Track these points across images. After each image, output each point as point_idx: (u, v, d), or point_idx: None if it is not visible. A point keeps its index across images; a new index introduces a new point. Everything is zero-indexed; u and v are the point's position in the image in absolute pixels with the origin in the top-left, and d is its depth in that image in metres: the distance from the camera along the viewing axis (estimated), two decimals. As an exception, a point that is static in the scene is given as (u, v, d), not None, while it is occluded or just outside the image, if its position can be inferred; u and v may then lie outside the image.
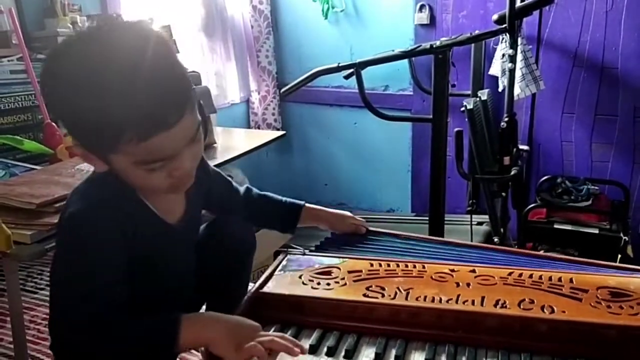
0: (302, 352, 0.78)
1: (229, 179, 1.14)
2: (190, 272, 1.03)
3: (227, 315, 0.82)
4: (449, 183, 2.13)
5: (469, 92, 2.38)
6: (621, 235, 2.06)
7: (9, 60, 1.83)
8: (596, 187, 2.24)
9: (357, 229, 1.17)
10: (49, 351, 1.53)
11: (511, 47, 1.97)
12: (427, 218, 1.99)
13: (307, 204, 1.16)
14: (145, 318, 0.80)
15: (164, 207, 0.91)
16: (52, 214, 1.15)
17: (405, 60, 2.48)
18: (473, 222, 2.15)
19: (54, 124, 1.76)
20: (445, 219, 2.00)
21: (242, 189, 1.15)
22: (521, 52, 2.08)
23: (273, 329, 0.86)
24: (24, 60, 1.76)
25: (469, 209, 2.19)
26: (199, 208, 1.04)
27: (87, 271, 0.80)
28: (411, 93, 2.71)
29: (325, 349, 0.82)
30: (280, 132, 2.61)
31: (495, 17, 2.09)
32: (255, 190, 1.16)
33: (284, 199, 1.17)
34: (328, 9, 2.79)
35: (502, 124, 2.02)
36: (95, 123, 0.73)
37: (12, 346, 1.37)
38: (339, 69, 2.02)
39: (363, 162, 2.98)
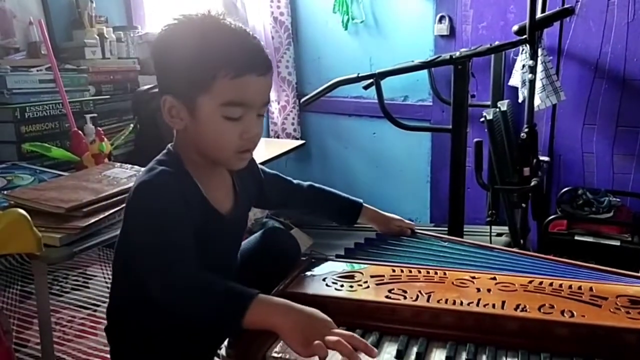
0: (372, 356, 0.76)
1: (289, 178, 1.25)
2: (232, 262, 1.09)
3: (300, 305, 0.81)
4: (469, 193, 2.13)
5: (489, 102, 2.38)
6: (643, 247, 2.03)
7: (37, 70, 1.89)
8: (618, 199, 2.22)
9: (402, 230, 1.27)
10: (75, 353, 1.57)
11: (531, 58, 1.97)
12: (446, 228, 1.99)
13: (364, 204, 1.27)
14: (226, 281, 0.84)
15: (214, 195, 0.99)
16: (80, 218, 1.19)
17: (425, 71, 2.48)
18: (493, 233, 2.14)
19: (80, 132, 1.80)
20: (465, 229, 2.00)
21: (305, 185, 1.25)
22: (541, 63, 2.07)
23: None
24: (53, 70, 1.82)
25: (488, 219, 2.19)
26: (247, 208, 1.13)
27: (167, 231, 0.86)
28: (430, 103, 2.71)
29: None
30: (300, 142, 2.64)
31: (515, 28, 2.10)
32: (318, 185, 1.27)
33: (344, 195, 1.28)
34: (348, 20, 2.82)
35: (522, 134, 2.01)
36: (199, 61, 0.87)
37: (39, 347, 1.40)
38: (358, 79, 2.04)
39: (382, 172, 2.98)
